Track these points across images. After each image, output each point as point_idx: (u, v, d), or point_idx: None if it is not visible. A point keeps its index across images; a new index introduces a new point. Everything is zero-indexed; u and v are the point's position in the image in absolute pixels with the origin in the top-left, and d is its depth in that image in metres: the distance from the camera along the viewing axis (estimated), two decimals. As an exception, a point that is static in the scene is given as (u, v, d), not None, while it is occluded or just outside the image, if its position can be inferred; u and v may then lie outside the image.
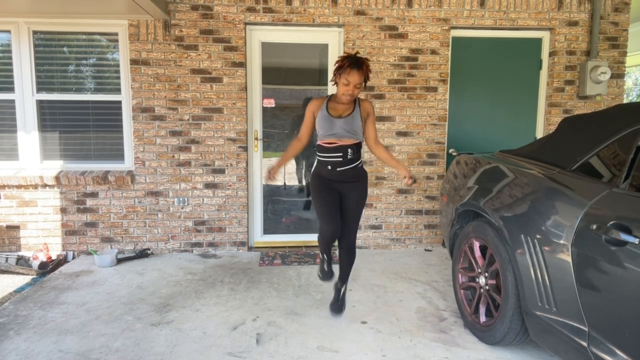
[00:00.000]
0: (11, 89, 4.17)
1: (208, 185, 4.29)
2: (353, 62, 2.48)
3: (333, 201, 2.65)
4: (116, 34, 4.18)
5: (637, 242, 1.60)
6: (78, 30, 4.16)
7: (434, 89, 4.36)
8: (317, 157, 2.67)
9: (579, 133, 2.32)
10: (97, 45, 4.25)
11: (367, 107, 2.69)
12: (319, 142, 2.64)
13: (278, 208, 4.62)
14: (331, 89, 4.43)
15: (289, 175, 4.63)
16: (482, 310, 2.60)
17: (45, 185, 4.17)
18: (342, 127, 2.56)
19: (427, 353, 2.47)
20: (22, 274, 3.87)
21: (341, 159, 2.59)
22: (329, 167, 2.62)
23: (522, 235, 2.19)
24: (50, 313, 2.95)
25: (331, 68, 4.38)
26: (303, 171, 4.65)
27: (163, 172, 4.24)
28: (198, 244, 4.35)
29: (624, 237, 1.65)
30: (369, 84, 4.30)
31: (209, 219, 4.32)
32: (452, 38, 4.40)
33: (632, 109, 2.12)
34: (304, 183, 4.66)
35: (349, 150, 2.59)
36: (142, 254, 4.17)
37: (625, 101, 6.96)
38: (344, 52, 4.24)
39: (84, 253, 4.28)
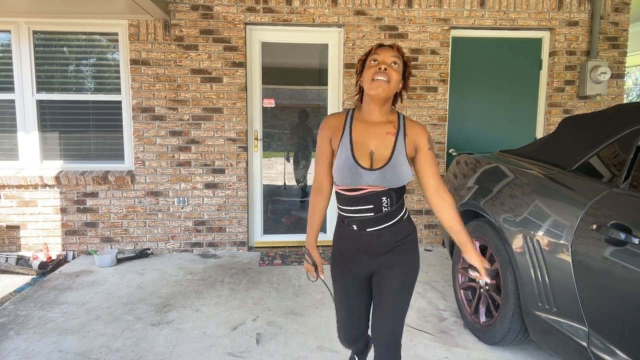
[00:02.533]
0: (11, 89, 4.17)
1: (208, 185, 4.29)
2: (379, 45, 1.62)
3: (359, 302, 1.70)
4: (116, 34, 4.18)
5: (637, 242, 1.60)
6: (78, 30, 4.16)
7: (434, 89, 4.36)
8: (338, 209, 1.68)
9: (579, 133, 2.32)
10: (97, 45, 4.25)
11: (418, 132, 1.59)
12: (336, 189, 1.64)
13: (278, 208, 4.62)
14: (331, 89, 4.44)
15: (289, 175, 4.63)
16: (482, 310, 2.60)
17: (45, 185, 4.16)
18: (376, 179, 1.53)
19: (427, 353, 2.47)
20: (22, 274, 3.87)
21: (372, 214, 1.56)
22: (354, 227, 1.61)
23: (522, 235, 2.19)
24: (50, 313, 2.95)
25: (331, 68, 4.38)
26: (303, 171, 4.65)
27: (163, 172, 4.24)
28: (198, 244, 4.35)
29: (624, 237, 1.65)
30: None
31: (209, 219, 4.32)
32: (452, 38, 4.40)
33: (632, 109, 2.12)
34: (304, 183, 4.66)
35: (385, 199, 1.55)
36: (142, 254, 4.17)
37: (625, 101, 6.97)
38: (344, 52, 4.24)
39: (84, 253, 4.28)
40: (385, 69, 1.48)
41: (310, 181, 4.65)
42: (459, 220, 1.59)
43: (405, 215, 1.62)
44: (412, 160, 1.60)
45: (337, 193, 1.62)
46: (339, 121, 1.60)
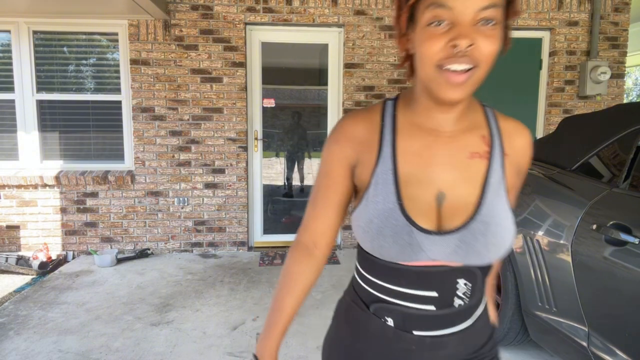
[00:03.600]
0: (11, 89, 4.17)
1: (208, 185, 4.29)
2: None
3: None
4: (116, 34, 4.17)
5: (637, 242, 1.60)
6: (78, 30, 4.16)
7: (434, 89, 4.35)
8: (356, 276, 0.90)
9: (579, 133, 2.32)
10: (97, 45, 4.25)
11: (523, 142, 0.84)
12: (362, 254, 0.85)
13: (278, 208, 4.62)
14: (331, 89, 4.44)
15: (288, 174, 4.63)
16: (482, 310, 2.60)
17: (45, 185, 4.16)
18: (451, 253, 0.76)
19: (427, 353, 2.46)
20: (22, 274, 3.86)
21: (433, 308, 0.80)
22: (389, 323, 0.82)
23: (522, 235, 2.19)
24: (50, 313, 2.95)
25: (331, 68, 4.37)
26: (304, 171, 4.65)
27: (163, 172, 4.24)
28: (198, 244, 4.35)
29: (624, 237, 1.65)
30: (368, 83, 4.31)
31: (209, 219, 4.32)
32: (452, 38, 4.39)
33: (632, 109, 2.12)
34: (304, 183, 4.66)
35: (463, 284, 0.79)
36: (142, 254, 4.17)
37: (625, 101, 6.96)
38: (344, 52, 4.24)
39: (84, 253, 4.28)
40: (470, 46, 0.66)
41: (309, 180, 4.64)
42: (491, 292, 0.96)
43: (484, 305, 0.87)
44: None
45: (365, 265, 0.85)
46: (369, 128, 0.81)
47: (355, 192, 0.85)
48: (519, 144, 0.83)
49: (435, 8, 0.67)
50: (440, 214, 0.76)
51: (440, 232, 0.75)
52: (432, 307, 0.79)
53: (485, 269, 0.81)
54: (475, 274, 0.79)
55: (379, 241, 0.76)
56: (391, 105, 0.82)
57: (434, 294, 0.78)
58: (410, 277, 0.78)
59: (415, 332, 0.80)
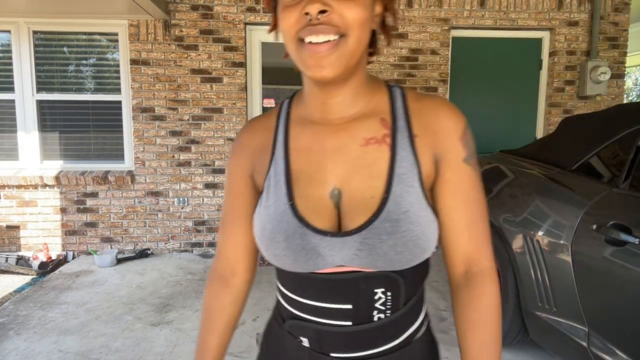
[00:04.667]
0: (11, 89, 4.16)
1: (208, 185, 4.29)
2: None
3: None
4: (116, 34, 4.17)
5: (637, 242, 1.60)
6: (78, 30, 4.16)
7: (434, 89, 4.36)
8: (277, 293, 0.80)
9: (579, 133, 2.32)
10: (97, 45, 4.25)
11: (441, 118, 0.69)
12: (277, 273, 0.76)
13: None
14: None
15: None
16: (482, 310, 2.59)
17: (45, 185, 4.16)
18: (353, 256, 0.64)
19: (427, 353, 2.46)
20: (22, 274, 3.86)
21: (349, 323, 0.68)
22: (304, 343, 0.71)
23: (522, 236, 2.19)
24: (50, 313, 2.95)
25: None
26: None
27: (163, 172, 4.24)
28: (198, 244, 4.35)
29: (624, 237, 1.65)
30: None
31: (209, 219, 4.32)
32: (452, 38, 4.39)
33: (632, 109, 2.12)
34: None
35: (381, 293, 0.67)
36: (142, 254, 4.17)
37: (625, 101, 6.96)
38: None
39: (84, 253, 4.28)
40: (323, 12, 0.59)
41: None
42: (490, 355, 0.67)
43: (424, 328, 0.74)
44: (433, 193, 0.70)
45: (280, 280, 0.76)
46: (264, 133, 0.75)
47: (254, 202, 0.75)
48: (434, 122, 0.68)
49: None
50: (340, 213, 0.66)
51: (338, 233, 0.64)
52: (348, 323, 0.67)
53: (412, 275, 0.68)
54: (397, 281, 0.66)
55: (273, 249, 0.67)
56: (287, 104, 0.76)
57: (349, 306, 0.67)
58: (318, 286, 0.67)
59: (333, 354, 0.69)
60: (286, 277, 0.72)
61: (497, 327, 0.67)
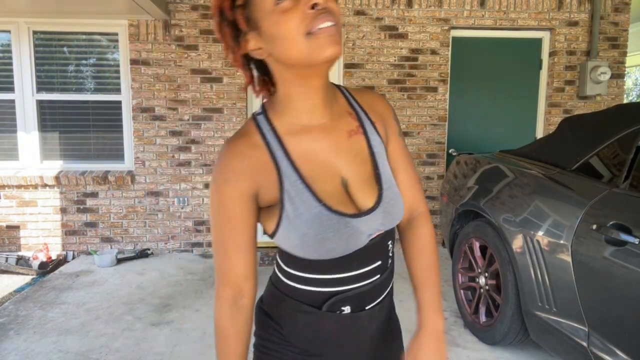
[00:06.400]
0: (11, 89, 4.16)
1: (208, 185, 4.28)
2: None
3: None
4: (116, 34, 4.17)
5: (637, 242, 1.60)
6: (78, 30, 4.16)
7: (434, 89, 4.36)
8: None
9: (579, 133, 2.32)
10: (97, 45, 4.25)
11: (378, 104, 0.90)
12: (300, 263, 0.82)
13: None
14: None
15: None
16: (482, 310, 2.60)
17: (45, 185, 4.16)
18: (381, 224, 0.82)
19: (427, 353, 2.46)
20: (22, 274, 3.86)
21: (378, 276, 0.86)
22: (345, 310, 0.84)
23: (522, 235, 2.19)
24: (50, 313, 2.95)
25: (332, 68, 4.36)
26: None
27: (163, 172, 4.24)
28: (198, 244, 4.35)
29: (624, 237, 1.65)
30: (368, 83, 4.31)
31: (209, 219, 4.32)
32: (452, 38, 4.39)
33: (632, 109, 2.12)
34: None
35: (390, 244, 0.89)
36: (142, 254, 4.17)
37: (625, 101, 6.96)
38: (344, 52, 4.24)
39: (84, 253, 4.28)
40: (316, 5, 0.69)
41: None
42: (432, 274, 0.90)
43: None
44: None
45: (299, 259, 0.81)
46: (255, 152, 0.78)
47: (256, 222, 0.81)
48: (378, 109, 0.89)
49: None
50: (351, 197, 0.80)
51: (367, 211, 0.79)
52: (378, 276, 0.85)
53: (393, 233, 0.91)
54: (394, 232, 0.89)
55: (326, 246, 0.76)
56: (264, 120, 0.81)
57: (379, 262, 0.85)
58: (359, 257, 0.82)
59: (367, 307, 0.85)
60: (327, 266, 0.81)
61: (436, 254, 0.91)
